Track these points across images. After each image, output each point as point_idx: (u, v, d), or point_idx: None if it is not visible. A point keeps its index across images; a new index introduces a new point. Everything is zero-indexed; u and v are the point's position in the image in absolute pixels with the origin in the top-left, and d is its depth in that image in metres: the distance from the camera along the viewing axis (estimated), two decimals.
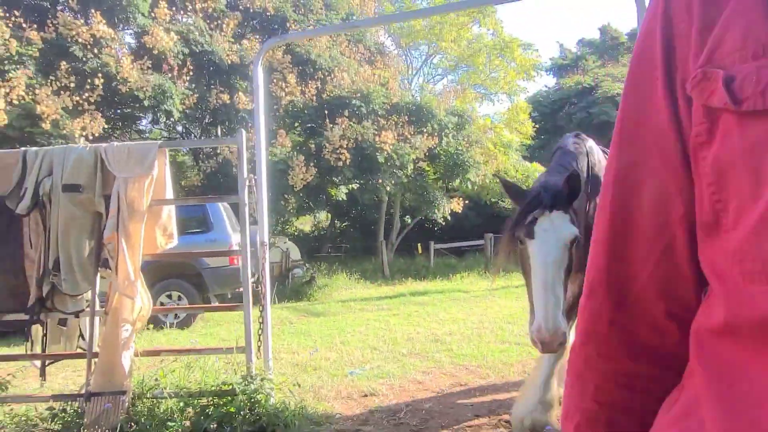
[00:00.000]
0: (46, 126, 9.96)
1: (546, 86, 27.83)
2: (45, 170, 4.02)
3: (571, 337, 3.24)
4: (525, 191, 3.07)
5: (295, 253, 14.24)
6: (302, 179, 12.38)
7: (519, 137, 18.54)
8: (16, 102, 9.90)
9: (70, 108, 10.59)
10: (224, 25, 13.34)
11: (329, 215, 20.12)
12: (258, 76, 4.11)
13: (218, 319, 9.62)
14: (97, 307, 4.09)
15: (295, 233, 20.38)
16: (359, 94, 13.57)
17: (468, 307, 9.91)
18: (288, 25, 14.16)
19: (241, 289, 9.14)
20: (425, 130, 14.47)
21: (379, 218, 17.43)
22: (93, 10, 11.24)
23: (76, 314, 4.04)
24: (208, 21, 13.24)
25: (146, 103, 11.45)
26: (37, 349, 4.20)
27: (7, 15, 10.57)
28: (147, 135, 15.86)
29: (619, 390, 0.68)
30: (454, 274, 15.86)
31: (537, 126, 20.83)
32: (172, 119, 12.16)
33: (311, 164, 12.39)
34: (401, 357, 6.24)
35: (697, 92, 0.56)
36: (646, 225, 0.64)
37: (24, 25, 10.61)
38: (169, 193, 4.18)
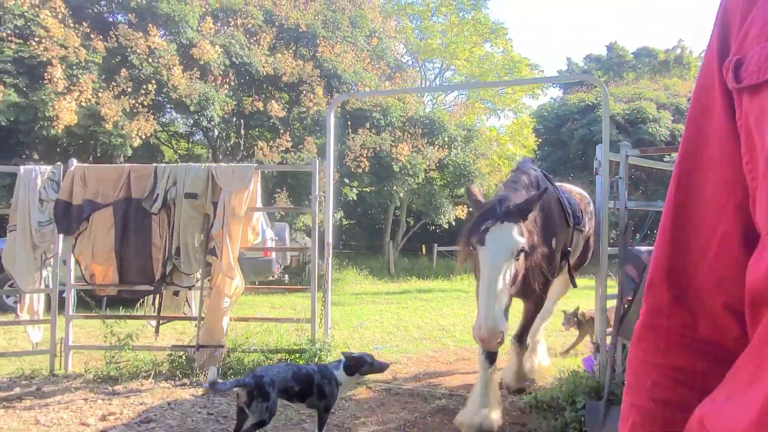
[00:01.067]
0: (109, 126, 11.40)
1: (552, 98, 29.08)
2: (171, 182, 5.47)
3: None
4: (483, 203, 3.44)
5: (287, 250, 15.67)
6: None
7: (522, 151, 19.98)
8: (84, 104, 11.33)
9: (127, 110, 12.02)
10: (261, 39, 14.77)
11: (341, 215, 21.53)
12: (330, 121, 5.57)
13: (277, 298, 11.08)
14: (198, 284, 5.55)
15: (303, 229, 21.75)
16: (379, 108, 15.01)
17: (468, 304, 11.27)
18: (318, 41, 15.59)
19: (270, 277, 10.79)
20: (437, 142, 15.91)
21: (386, 220, 18.84)
22: (149, 24, 12.66)
23: (190, 287, 5.50)
24: (248, 35, 14.67)
25: (192, 108, 12.89)
26: (151, 313, 5.67)
27: (77, 26, 12.01)
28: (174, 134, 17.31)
29: (676, 387, 0.65)
30: (455, 275, 17.25)
31: (540, 140, 22.22)
32: (212, 122, 13.58)
33: (335, 170, 13.83)
34: (414, 340, 7.67)
35: (728, 79, 0.59)
36: (706, 215, 0.64)
37: (91, 36, 12.05)
38: (258, 203, 5.63)
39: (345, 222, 24.10)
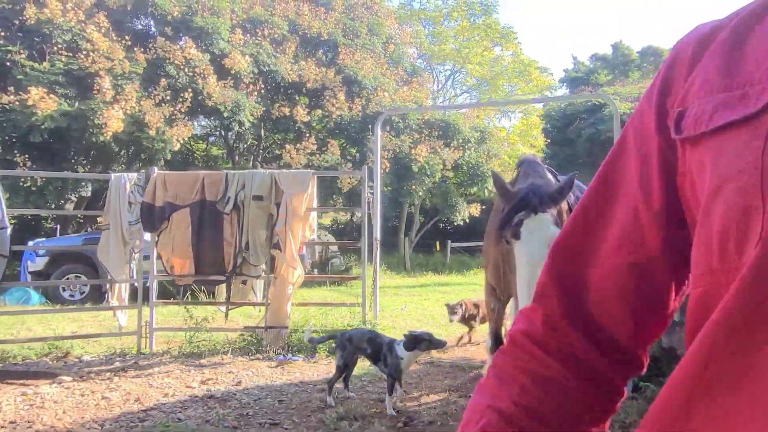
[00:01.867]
0: (152, 132, 12.31)
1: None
2: (240, 185, 6.35)
3: None
4: (514, 192, 3.09)
5: (333, 245, 16.57)
6: (348, 182, 14.72)
7: (532, 150, 20.81)
8: (128, 112, 12.25)
9: (167, 117, 12.94)
10: (286, 48, 15.66)
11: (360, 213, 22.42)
12: (378, 132, 6.45)
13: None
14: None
15: (330, 225, 22.64)
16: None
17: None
18: (339, 48, 16.47)
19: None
20: (452, 144, 16.77)
21: (401, 217, 19.71)
22: (185, 37, 13.57)
23: (257, 277, 6.38)
24: (274, 45, 15.55)
25: (225, 114, 13.79)
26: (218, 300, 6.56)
27: (120, 39, 12.93)
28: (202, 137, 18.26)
29: (543, 395, 0.65)
30: (468, 270, 18.04)
31: (548, 139, 23.03)
32: (243, 127, 14.48)
33: (356, 170, 14.75)
34: (442, 326, 8.50)
35: (671, 128, 0.60)
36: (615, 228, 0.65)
37: (134, 48, 12.97)
38: (315, 203, 6.51)
39: (358, 217, 25.07)
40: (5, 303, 9.78)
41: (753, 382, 0.45)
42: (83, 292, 10.95)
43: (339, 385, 4.62)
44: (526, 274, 2.84)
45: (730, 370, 0.47)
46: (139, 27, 14.33)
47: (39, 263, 10.78)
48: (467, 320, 6.30)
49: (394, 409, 4.25)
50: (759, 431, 0.44)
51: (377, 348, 4.34)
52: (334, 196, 15.30)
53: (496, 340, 4.21)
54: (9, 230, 5.94)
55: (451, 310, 6.12)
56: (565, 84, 34.97)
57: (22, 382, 5.03)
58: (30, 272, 10.95)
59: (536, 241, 2.88)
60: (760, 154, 0.50)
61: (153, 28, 14.32)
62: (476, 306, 6.28)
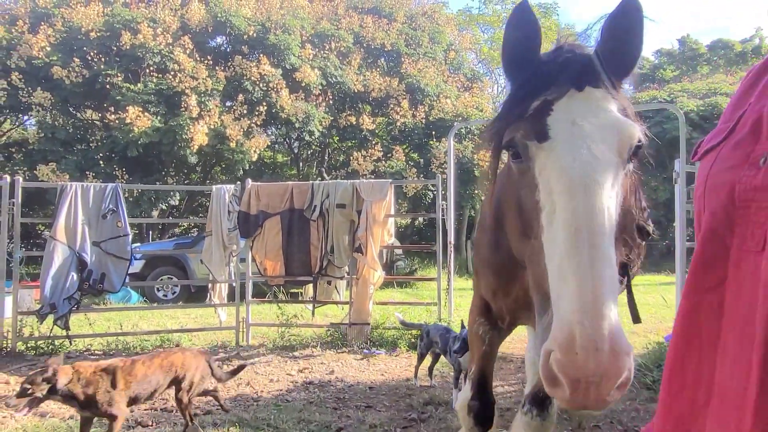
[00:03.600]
0: (233, 145, 13.31)
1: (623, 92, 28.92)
2: (324, 195, 7.00)
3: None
4: (532, 58, 1.45)
5: (405, 248, 17.17)
6: (413, 187, 15.25)
7: None
8: (212, 126, 13.30)
9: (245, 130, 13.92)
10: (352, 60, 16.41)
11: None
12: (451, 143, 6.95)
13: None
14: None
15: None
16: (460, 118, 16.28)
17: None
18: (402, 58, 17.07)
19: None
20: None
21: (462, 220, 20.03)
22: (260, 54, 14.54)
23: (341, 278, 7.02)
24: (340, 57, 16.34)
25: (297, 125, 14.67)
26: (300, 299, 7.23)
27: (202, 59, 14.03)
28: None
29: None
30: None
31: None
32: (313, 136, 15.32)
33: (421, 176, 15.25)
34: None
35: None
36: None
37: (215, 67, 14.05)
38: (392, 210, 7.07)
39: (418, 223, 25.53)
40: (111, 302, 10.93)
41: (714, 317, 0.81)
42: (174, 292, 12.04)
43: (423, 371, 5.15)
44: (571, 222, 1.14)
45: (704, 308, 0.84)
46: (218, 46, 15.45)
47: (137, 266, 11.93)
48: None
49: None
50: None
51: (446, 342, 4.83)
52: (399, 200, 15.88)
53: (481, 387, 2.49)
54: (130, 237, 6.84)
55: None
56: (630, 83, 33.98)
57: None
58: (129, 274, 12.12)
59: (596, 137, 1.27)
60: (706, 174, 0.89)
61: (230, 47, 15.40)
62: None
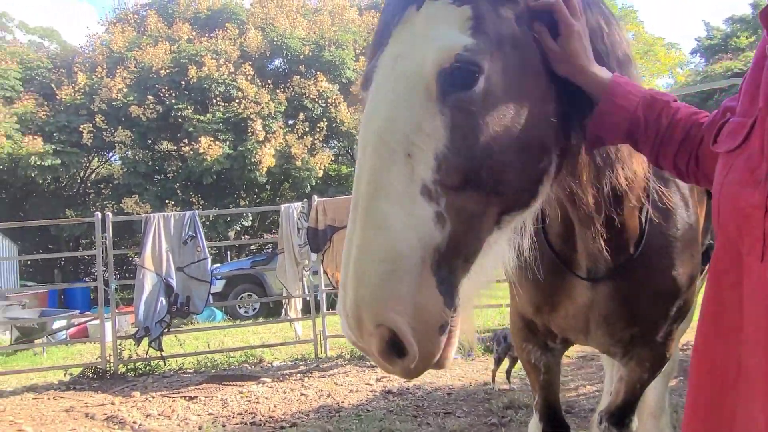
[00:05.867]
0: (299, 163, 13.78)
1: (693, 67, 27.29)
2: None
3: None
4: None
5: None
6: None
7: None
8: (277, 148, 13.83)
9: (308, 147, 14.37)
10: None
11: None
12: None
13: None
14: None
15: None
16: None
17: None
18: None
19: None
20: None
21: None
22: (316, 72, 14.97)
23: None
24: None
25: (357, 137, 14.94)
26: None
27: (262, 83, 14.64)
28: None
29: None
30: None
31: None
32: None
33: None
34: None
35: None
36: None
37: (276, 90, 14.62)
38: None
39: None
40: (197, 322, 11.58)
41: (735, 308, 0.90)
42: (255, 308, 12.58)
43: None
44: (354, 184, 1.02)
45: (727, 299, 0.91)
46: (276, 69, 16.07)
47: (218, 285, 12.58)
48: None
49: None
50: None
51: None
52: None
53: (550, 419, 2.18)
54: (209, 261, 7.25)
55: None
56: (698, 54, 32.09)
57: (235, 383, 6.16)
58: (211, 294, 12.83)
59: (389, 83, 1.01)
60: (721, 182, 0.91)
61: (288, 68, 15.95)
62: None
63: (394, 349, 0.92)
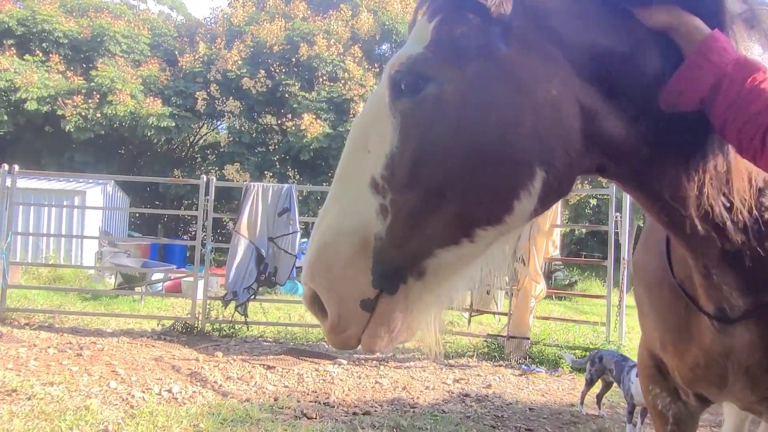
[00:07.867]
0: None
1: None
2: None
3: None
4: None
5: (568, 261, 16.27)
6: (576, 195, 14.32)
7: None
8: None
9: None
10: None
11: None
12: None
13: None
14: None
15: None
16: None
17: None
18: None
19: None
20: None
21: (621, 228, 18.29)
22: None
23: (500, 288, 6.79)
24: None
25: None
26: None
27: (370, 67, 14.66)
28: None
29: None
30: None
31: None
32: None
33: (586, 183, 14.27)
34: None
35: None
36: None
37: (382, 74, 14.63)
38: (558, 220, 6.65)
39: (578, 232, 23.91)
40: (281, 293, 11.89)
41: None
42: None
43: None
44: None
45: None
46: (383, 53, 16.05)
47: (303, 260, 12.84)
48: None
49: None
50: None
51: (621, 371, 4.35)
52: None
53: None
54: (299, 234, 7.33)
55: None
56: None
57: (312, 359, 6.18)
58: (296, 267, 13.16)
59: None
60: None
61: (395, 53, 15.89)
62: None
63: (317, 308, 1.07)
